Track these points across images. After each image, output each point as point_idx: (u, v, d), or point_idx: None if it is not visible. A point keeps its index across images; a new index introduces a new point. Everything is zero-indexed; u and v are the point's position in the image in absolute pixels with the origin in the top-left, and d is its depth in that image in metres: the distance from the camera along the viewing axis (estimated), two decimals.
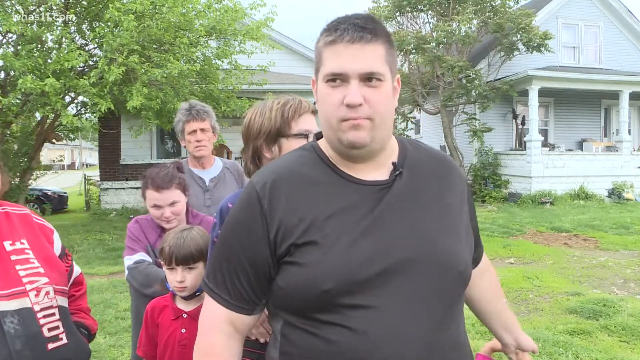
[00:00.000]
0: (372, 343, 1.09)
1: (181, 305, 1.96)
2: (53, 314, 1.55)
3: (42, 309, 1.51)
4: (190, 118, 2.94)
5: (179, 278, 1.89)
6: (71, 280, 1.78)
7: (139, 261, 2.26)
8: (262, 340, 1.60)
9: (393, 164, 1.23)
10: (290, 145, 1.67)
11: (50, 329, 1.52)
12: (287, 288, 1.15)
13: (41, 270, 1.57)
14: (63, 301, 1.63)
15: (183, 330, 1.91)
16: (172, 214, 2.30)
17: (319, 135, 1.32)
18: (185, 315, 1.93)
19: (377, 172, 1.22)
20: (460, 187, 1.32)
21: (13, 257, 1.54)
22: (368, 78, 1.15)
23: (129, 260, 2.29)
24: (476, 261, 1.46)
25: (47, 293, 1.55)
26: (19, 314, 1.46)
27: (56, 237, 1.76)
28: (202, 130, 2.95)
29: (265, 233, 1.17)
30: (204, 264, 1.93)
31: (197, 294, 1.95)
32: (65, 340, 1.55)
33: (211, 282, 1.25)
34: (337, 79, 1.15)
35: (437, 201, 1.24)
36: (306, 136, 1.71)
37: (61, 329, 1.55)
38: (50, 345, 1.50)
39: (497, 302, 1.55)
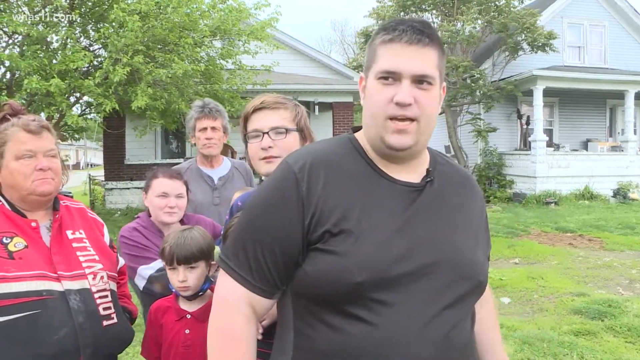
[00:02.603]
0: (392, 341, 1.10)
1: (184, 306, 1.96)
2: (106, 296, 1.74)
3: (98, 291, 1.71)
4: (202, 115, 2.96)
5: (180, 278, 1.90)
6: (117, 269, 1.94)
7: (161, 269, 2.14)
8: None
9: (428, 170, 1.26)
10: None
11: (104, 309, 1.71)
12: (316, 276, 1.14)
13: (96, 257, 1.77)
14: (113, 285, 1.83)
15: (187, 331, 1.91)
16: (176, 205, 2.31)
17: (355, 129, 1.33)
18: (188, 316, 1.94)
19: (410, 174, 1.24)
20: (480, 206, 1.37)
21: (74, 245, 1.74)
22: (420, 80, 1.17)
23: (148, 269, 2.19)
24: None
25: (102, 277, 1.74)
26: (80, 293, 1.65)
27: (105, 230, 1.97)
28: (213, 128, 2.97)
29: (300, 217, 1.15)
30: (206, 263, 1.95)
31: (200, 293, 1.95)
32: (115, 320, 1.74)
33: (232, 261, 1.22)
34: (390, 77, 1.17)
35: (461, 213, 1.27)
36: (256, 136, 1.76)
37: (112, 310, 1.74)
38: (105, 323, 1.69)
39: (493, 333, 1.49)
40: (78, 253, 1.73)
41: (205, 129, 2.96)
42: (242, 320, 1.20)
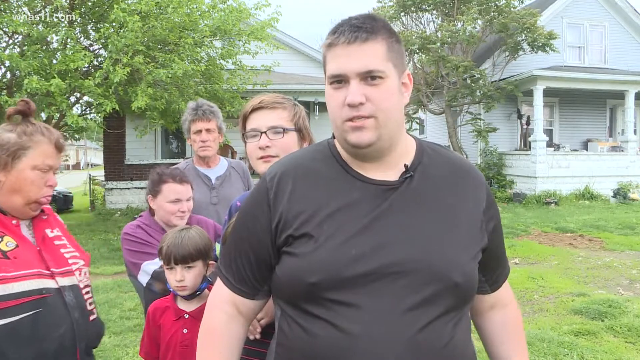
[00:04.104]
0: (353, 341, 1.10)
1: (182, 305, 1.97)
2: (89, 292, 1.77)
3: (84, 286, 1.74)
4: (196, 118, 2.96)
5: (178, 277, 1.90)
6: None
7: None
8: (251, 337, 1.61)
9: (405, 165, 1.23)
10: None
11: (89, 304, 1.74)
12: (282, 277, 1.20)
13: (77, 254, 1.79)
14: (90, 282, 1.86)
15: (185, 331, 1.91)
16: (187, 209, 2.36)
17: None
18: (186, 316, 1.94)
19: (387, 172, 1.22)
20: (476, 197, 1.27)
21: (56, 242, 1.76)
22: (370, 77, 1.15)
23: (152, 265, 2.21)
24: (493, 283, 1.38)
25: (85, 273, 1.78)
26: (72, 289, 1.68)
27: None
28: (208, 130, 2.97)
29: (268, 222, 1.22)
30: (203, 263, 1.95)
31: (198, 293, 1.95)
32: (95, 315, 1.77)
33: (221, 263, 1.34)
34: (339, 80, 1.17)
35: (444, 209, 1.21)
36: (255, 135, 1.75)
37: (93, 305, 1.78)
38: (91, 317, 1.72)
39: (507, 347, 1.39)
40: (62, 250, 1.74)
41: (199, 131, 2.96)
42: (222, 317, 1.29)
